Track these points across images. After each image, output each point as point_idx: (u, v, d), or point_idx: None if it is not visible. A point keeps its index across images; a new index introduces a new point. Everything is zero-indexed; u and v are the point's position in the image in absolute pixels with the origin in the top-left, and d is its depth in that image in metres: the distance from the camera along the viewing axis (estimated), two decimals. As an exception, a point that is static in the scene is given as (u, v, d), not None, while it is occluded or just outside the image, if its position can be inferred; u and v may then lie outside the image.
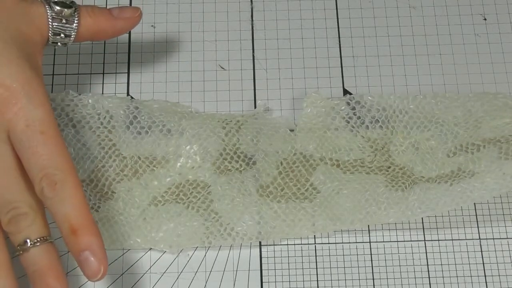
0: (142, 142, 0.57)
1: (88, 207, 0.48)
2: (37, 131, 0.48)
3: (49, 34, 0.53)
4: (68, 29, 0.53)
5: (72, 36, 0.54)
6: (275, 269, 0.55)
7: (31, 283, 0.48)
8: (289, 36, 0.63)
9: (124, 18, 0.56)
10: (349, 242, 0.55)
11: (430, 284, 0.54)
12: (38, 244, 0.48)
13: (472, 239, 0.56)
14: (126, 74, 0.61)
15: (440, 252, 0.55)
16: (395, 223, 0.56)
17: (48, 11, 0.53)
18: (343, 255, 0.55)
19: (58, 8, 0.53)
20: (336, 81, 0.61)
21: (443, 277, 0.54)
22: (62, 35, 0.53)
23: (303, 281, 0.54)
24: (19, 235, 0.48)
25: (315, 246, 0.55)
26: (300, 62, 0.62)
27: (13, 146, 0.49)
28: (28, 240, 0.48)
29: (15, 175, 0.49)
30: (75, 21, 0.54)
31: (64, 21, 0.53)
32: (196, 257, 0.55)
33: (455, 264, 0.55)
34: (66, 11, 0.53)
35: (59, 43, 0.54)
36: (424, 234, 0.56)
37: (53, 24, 0.53)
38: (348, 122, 0.58)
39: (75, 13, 0.53)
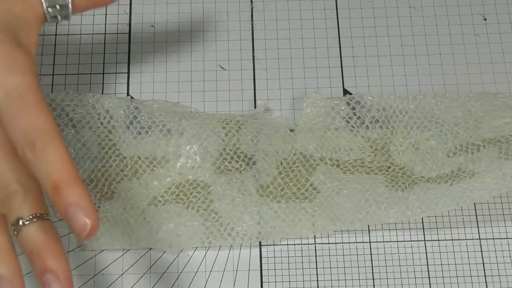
0: (142, 142, 0.57)
1: (72, 162, 0.45)
2: (16, 96, 0.46)
3: (44, 8, 0.52)
4: (65, 8, 0.51)
5: (69, 4, 0.52)
6: (275, 269, 0.55)
7: (30, 265, 0.46)
8: (289, 36, 0.63)
9: None
10: (349, 242, 0.55)
11: (430, 284, 0.54)
12: (31, 221, 0.46)
13: (472, 239, 0.56)
14: (126, 74, 0.61)
15: (440, 252, 0.55)
16: (395, 223, 0.56)
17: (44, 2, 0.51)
18: (343, 255, 0.55)
19: None
20: (336, 81, 0.61)
21: (443, 277, 0.54)
22: (57, 6, 0.51)
23: (303, 281, 0.54)
24: (11, 215, 0.46)
25: (315, 246, 0.55)
26: (300, 62, 0.62)
27: None
28: (21, 219, 0.46)
29: (4, 153, 0.48)
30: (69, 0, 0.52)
31: (59, 3, 0.51)
32: (196, 257, 0.55)
33: (455, 264, 0.55)
34: None
35: (58, 16, 0.52)
36: (424, 234, 0.56)
37: (48, 8, 0.51)
38: (348, 122, 0.58)
39: None
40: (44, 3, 0.51)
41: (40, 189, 0.48)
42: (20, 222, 0.46)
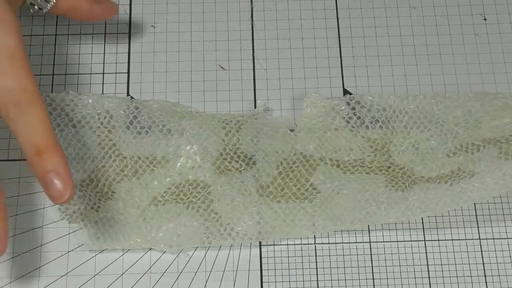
0: (142, 142, 0.57)
1: (52, 129, 0.48)
2: (6, 56, 0.48)
3: None
4: None
5: (51, 2, 0.55)
6: (275, 269, 0.55)
7: None
8: (289, 36, 0.63)
9: (103, 6, 0.57)
10: (349, 242, 0.55)
11: (430, 284, 0.54)
12: None
13: (472, 239, 0.56)
14: (126, 74, 0.61)
15: (440, 252, 0.55)
16: (395, 223, 0.56)
17: None
18: (343, 255, 0.55)
19: None
20: (336, 81, 0.61)
21: (443, 277, 0.54)
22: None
23: (303, 281, 0.54)
24: None
25: (315, 246, 0.55)
26: (300, 62, 0.62)
27: None
28: None
29: None
30: None
31: None
32: (196, 257, 0.55)
33: (455, 264, 0.55)
34: None
35: (36, 6, 0.55)
36: (424, 234, 0.56)
37: None
38: (348, 122, 0.58)
39: None
40: None
41: None
42: None
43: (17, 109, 0.47)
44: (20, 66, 0.48)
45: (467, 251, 0.55)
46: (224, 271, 0.54)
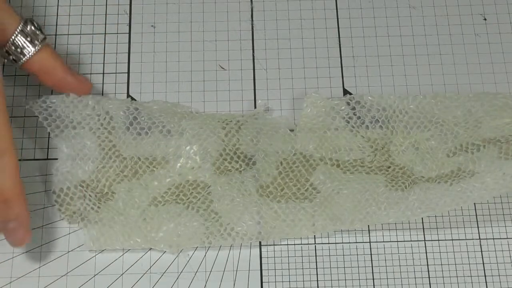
0: (142, 143, 0.57)
1: (19, 177, 0.50)
2: None
3: (9, 41, 0.55)
4: (28, 47, 0.55)
5: (27, 55, 0.55)
6: (275, 269, 0.55)
7: None
8: (289, 36, 0.63)
9: (77, 78, 0.57)
10: (349, 242, 0.56)
11: (430, 284, 0.54)
12: None
13: (472, 239, 0.56)
14: (126, 74, 0.61)
15: (440, 252, 0.55)
16: (395, 223, 0.56)
17: (20, 25, 0.55)
18: (343, 255, 0.55)
19: (31, 28, 0.55)
20: (336, 81, 0.61)
21: (443, 277, 0.54)
22: (19, 49, 0.55)
23: (303, 281, 0.54)
24: None
25: (315, 246, 0.55)
26: (300, 62, 0.62)
27: None
28: None
29: None
30: (38, 45, 0.55)
31: (29, 38, 0.55)
32: (196, 257, 0.55)
33: (455, 264, 0.55)
34: (38, 33, 0.55)
35: (11, 57, 0.55)
36: (424, 234, 0.56)
37: (18, 36, 0.55)
38: (348, 122, 0.58)
39: (42, 42, 0.55)
40: (13, 37, 0.54)
41: None
42: None
43: None
44: None
45: (467, 251, 0.55)
46: (224, 271, 0.54)
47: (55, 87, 0.57)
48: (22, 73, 0.60)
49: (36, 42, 0.55)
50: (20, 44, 0.55)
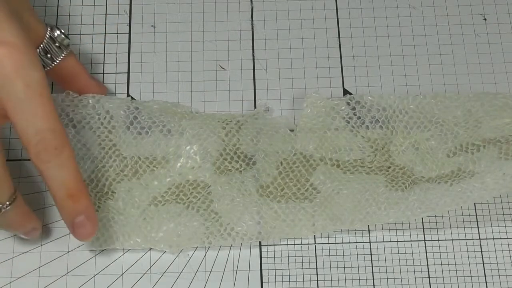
0: (142, 142, 0.57)
1: (80, 172, 0.50)
2: (37, 93, 0.47)
3: (39, 47, 0.55)
4: (56, 53, 0.55)
5: (55, 62, 0.56)
6: (275, 269, 0.55)
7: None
8: (289, 36, 0.63)
9: (97, 82, 0.59)
10: (349, 242, 0.55)
11: (430, 284, 0.54)
12: (10, 205, 0.50)
13: (472, 239, 0.56)
14: (126, 74, 0.61)
15: (440, 252, 0.55)
16: (395, 223, 0.56)
17: (48, 30, 0.55)
18: (343, 255, 0.55)
19: (58, 33, 0.55)
20: (336, 81, 0.61)
21: (443, 277, 0.54)
22: (49, 55, 0.55)
23: (303, 281, 0.54)
24: None
25: (315, 246, 0.55)
26: (300, 62, 0.62)
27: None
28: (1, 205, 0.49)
29: None
30: (65, 52, 0.56)
31: (57, 44, 0.55)
32: (196, 257, 0.55)
33: (455, 264, 0.55)
34: (65, 38, 0.55)
35: (43, 58, 0.56)
36: (424, 234, 0.56)
37: (48, 41, 0.55)
38: (348, 122, 0.58)
39: (67, 47, 0.56)
40: (43, 43, 0.55)
41: (6, 173, 0.49)
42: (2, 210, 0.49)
43: (51, 153, 0.47)
44: (49, 105, 0.48)
45: (467, 251, 0.55)
46: (224, 271, 0.54)
47: (80, 91, 0.58)
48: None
49: (63, 47, 0.56)
50: (50, 50, 0.55)
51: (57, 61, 0.56)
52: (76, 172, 0.49)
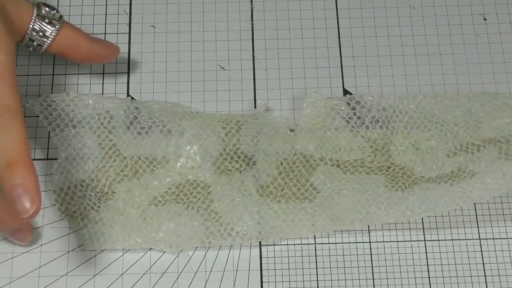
0: (142, 142, 0.57)
1: (28, 148, 0.47)
2: None
3: (29, 28, 0.54)
4: (49, 29, 0.55)
5: (50, 38, 0.55)
6: (275, 269, 0.55)
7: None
8: (289, 36, 0.63)
9: (102, 45, 0.58)
10: (349, 242, 0.55)
11: (430, 284, 0.54)
12: None
13: (472, 239, 0.56)
14: (126, 74, 0.61)
15: (440, 252, 0.55)
16: (395, 223, 0.56)
17: (35, 9, 0.54)
18: (343, 255, 0.55)
19: (46, 9, 0.55)
20: (336, 81, 0.61)
21: (443, 277, 0.54)
22: (40, 33, 0.55)
23: (303, 281, 0.54)
24: None
25: (315, 246, 0.55)
26: (300, 62, 0.62)
27: None
28: None
29: None
30: (57, 25, 0.55)
31: (46, 20, 0.55)
32: (196, 257, 0.55)
33: (455, 264, 0.55)
34: (53, 12, 0.55)
35: (35, 42, 0.55)
36: (424, 234, 0.56)
37: (36, 20, 0.54)
38: (348, 122, 0.58)
39: (60, 20, 0.55)
40: (32, 23, 0.54)
41: None
42: None
43: None
44: (7, 84, 0.48)
45: (467, 251, 0.55)
46: (224, 271, 0.54)
47: (85, 60, 0.57)
48: (22, 73, 0.60)
49: (55, 21, 0.55)
50: (41, 28, 0.55)
51: (52, 37, 0.55)
52: (20, 142, 0.47)
